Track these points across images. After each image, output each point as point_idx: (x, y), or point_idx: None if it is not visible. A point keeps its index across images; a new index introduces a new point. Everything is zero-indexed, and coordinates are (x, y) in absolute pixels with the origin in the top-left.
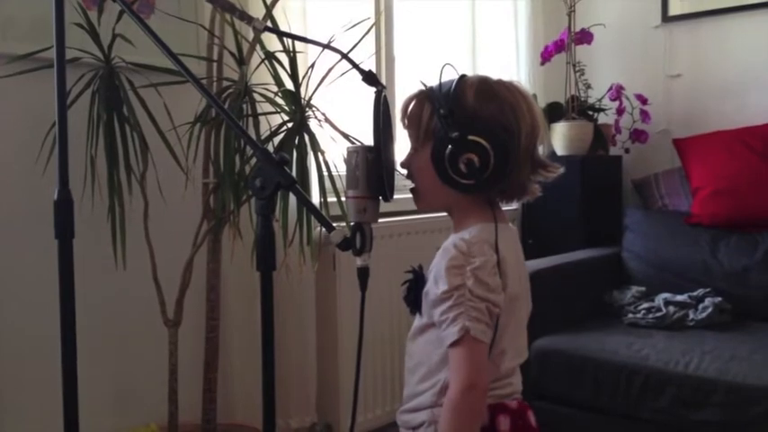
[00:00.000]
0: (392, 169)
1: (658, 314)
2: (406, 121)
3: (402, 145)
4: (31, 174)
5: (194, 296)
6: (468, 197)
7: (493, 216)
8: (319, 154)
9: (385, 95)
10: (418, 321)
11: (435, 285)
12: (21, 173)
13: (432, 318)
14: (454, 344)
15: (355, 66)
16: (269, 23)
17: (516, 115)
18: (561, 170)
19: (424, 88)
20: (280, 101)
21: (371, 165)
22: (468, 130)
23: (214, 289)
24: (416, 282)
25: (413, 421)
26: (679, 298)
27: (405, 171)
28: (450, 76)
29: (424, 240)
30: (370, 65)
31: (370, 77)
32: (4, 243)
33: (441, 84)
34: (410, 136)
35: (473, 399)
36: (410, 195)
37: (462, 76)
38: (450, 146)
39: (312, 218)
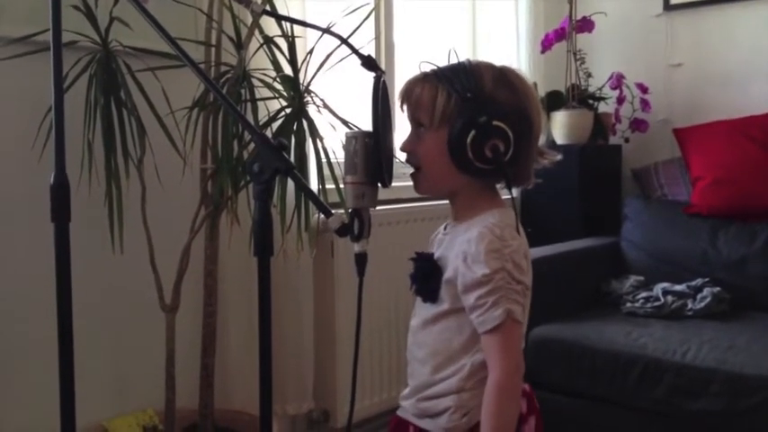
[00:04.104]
0: (391, 155)
1: (657, 303)
2: (409, 105)
3: (402, 130)
4: (27, 158)
5: (192, 281)
6: (479, 183)
7: (503, 201)
8: (318, 140)
9: (384, 81)
10: (431, 309)
11: (470, 270)
12: (17, 157)
13: (455, 304)
14: (497, 327)
15: (355, 51)
16: (267, 7)
17: (530, 102)
18: (558, 157)
19: (427, 71)
20: (278, 86)
21: (370, 150)
22: (492, 116)
23: (211, 274)
24: (432, 270)
25: (434, 408)
26: (677, 287)
27: (404, 155)
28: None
29: (422, 228)
30: (369, 50)
31: (369, 62)
32: (1, 227)
33: (453, 67)
34: (416, 119)
35: (519, 380)
36: (409, 183)
37: (470, 61)
38: (473, 131)
39: (310, 204)
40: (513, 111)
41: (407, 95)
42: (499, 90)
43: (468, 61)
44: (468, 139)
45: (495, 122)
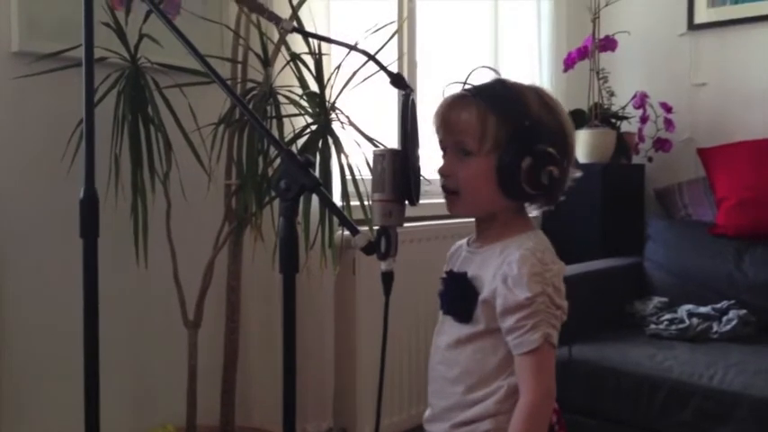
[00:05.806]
0: (418, 173)
1: (681, 326)
2: (448, 128)
3: (429, 149)
4: (55, 173)
5: (215, 297)
6: (516, 205)
7: (533, 223)
8: (343, 156)
9: (413, 99)
10: (464, 329)
11: (511, 293)
12: (46, 172)
13: (491, 324)
14: (533, 350)
15: (383, 68)
16: (295, 24)
17: (567, 123)
18: (578, 174)
19: (465, 93)
20: (304, 103)
21: (398, 168)
22: (545, 142)
23: (234, 290)
24: (465, 289)
25: None
26: (702, 310)
27: (436, 177)
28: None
29: (446, 245)
30: (392, 68)
31: (398, 80)
32: (28, 242)
33: (495, 90)
34: (459, 144)
35: (551, 404)
36: (433, 200)
37: (505, 82)
38: (529, 158)
39: (334, 220)
40: (558, 134)
41: (446, 118)
42: (545, 113)
43: (505, 82)
44: (524, 166)
45: (549, 149)
